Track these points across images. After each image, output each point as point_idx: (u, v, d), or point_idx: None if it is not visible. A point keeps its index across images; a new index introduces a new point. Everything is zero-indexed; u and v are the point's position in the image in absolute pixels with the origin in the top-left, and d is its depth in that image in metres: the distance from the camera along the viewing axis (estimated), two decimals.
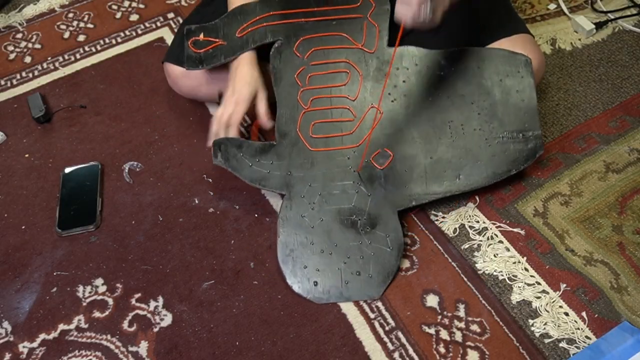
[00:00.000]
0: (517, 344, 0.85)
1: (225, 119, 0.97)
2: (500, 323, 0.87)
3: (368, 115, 0.98)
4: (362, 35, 1.01)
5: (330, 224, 0.93)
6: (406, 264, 0.93)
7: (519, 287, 0.90)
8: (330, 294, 0.90)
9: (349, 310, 0.89)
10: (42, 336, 0.89)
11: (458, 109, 0.97)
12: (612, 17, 1.27)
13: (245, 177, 0.96)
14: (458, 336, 0.86)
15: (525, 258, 0.93)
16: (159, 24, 1.35)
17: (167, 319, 0.90)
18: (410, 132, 0.96)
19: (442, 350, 0.85)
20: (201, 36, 1.03)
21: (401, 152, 0.96)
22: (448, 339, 0.86)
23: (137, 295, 0.93)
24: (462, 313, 0.88)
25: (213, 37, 1.03)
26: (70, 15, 1.39)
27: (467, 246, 0.95)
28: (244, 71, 0.98)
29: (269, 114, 0.99)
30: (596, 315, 0.86)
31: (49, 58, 1.30)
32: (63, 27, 1.37)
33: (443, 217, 0.98)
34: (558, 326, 0.86)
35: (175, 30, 1.32)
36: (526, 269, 0.92)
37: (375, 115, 0.97)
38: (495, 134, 0.95)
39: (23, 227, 1.02)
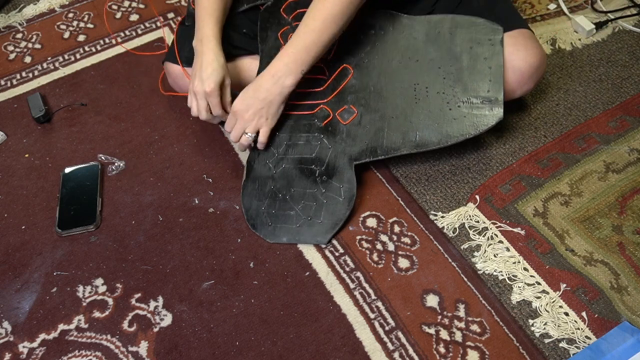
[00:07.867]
0: (517, 344, 0.85)
1: (205, 116, 0.97)
2: (500, 323, 0.87)
3: (340, 73, 1.02)
4: None
5: (291, 171, 1.00)
6: (406, 263, 0.93)
7: (519, 287, 0.90)
8: (283, 235, 0.96)
9: (349, 310, 0.89)
10: (42, 336, 0.89)
11: (425, 72, 0.99)
12: (612, 17, 1.27)
13: (222, 124, 1.04)
14: (458, 336, 0.86)
15: (524, 258, 0.93)
16: (159, 24, 1.35)
17: (167, 319, 0.90)
18: (377, 92, 1.00)
19: (442, 350, 0.85)
20: None
21: (366, 110, 1.00)
22: (448, 339, 0.86)
23: (137, 295, 0.93)
24: (462, 313, 0.88)
25: None
26: (70, 15, 1.39)
27: (467, 246, 0.95)
28: (210, 58, 0.96)
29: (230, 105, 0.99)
30: (596, 315, 0.86)
31: (49, 58, 1.30)
32: (63, 27, 1.37)
33: (443, 217, 0.98)
34: (558, 326, 0.86)
35: (175, 30, 1.32)
36: (526, 269, 0.92)
37: (346, 73, 1.01)
38: (457, 99, 0.97)
39: (23, 227, 1.02)
